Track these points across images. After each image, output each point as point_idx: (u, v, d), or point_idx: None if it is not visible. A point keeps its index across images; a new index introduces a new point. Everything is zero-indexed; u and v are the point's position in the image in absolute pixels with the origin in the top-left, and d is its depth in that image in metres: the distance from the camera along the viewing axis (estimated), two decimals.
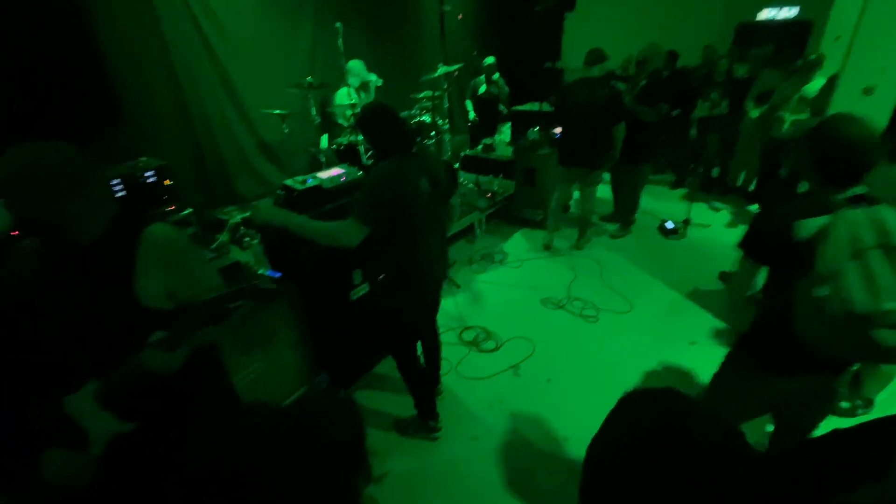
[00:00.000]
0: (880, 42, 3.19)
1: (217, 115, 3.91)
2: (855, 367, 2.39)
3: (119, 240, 1.14)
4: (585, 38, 5.35)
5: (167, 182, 2.62)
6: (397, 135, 1.89)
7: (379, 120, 1.88)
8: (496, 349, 3.14)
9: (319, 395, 2.24)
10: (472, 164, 5.20)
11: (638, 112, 4.10)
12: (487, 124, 5.76)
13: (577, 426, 2.49)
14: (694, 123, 5.47)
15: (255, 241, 2.66)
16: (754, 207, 5.12)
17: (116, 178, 2.40)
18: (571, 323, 3.42)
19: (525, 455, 2.37)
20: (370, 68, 4.36)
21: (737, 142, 5.30)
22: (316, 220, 1.86)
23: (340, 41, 3.80)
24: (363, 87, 4.32)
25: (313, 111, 3.88)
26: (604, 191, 4.62)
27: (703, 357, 2.95)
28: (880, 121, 2.97)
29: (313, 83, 3.67)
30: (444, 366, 2.79)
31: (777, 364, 1.49)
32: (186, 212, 2.72)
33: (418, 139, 4.24)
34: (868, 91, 3.19)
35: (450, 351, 3.02)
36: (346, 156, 3.77)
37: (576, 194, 4.42)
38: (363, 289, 2.68)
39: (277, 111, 3.68)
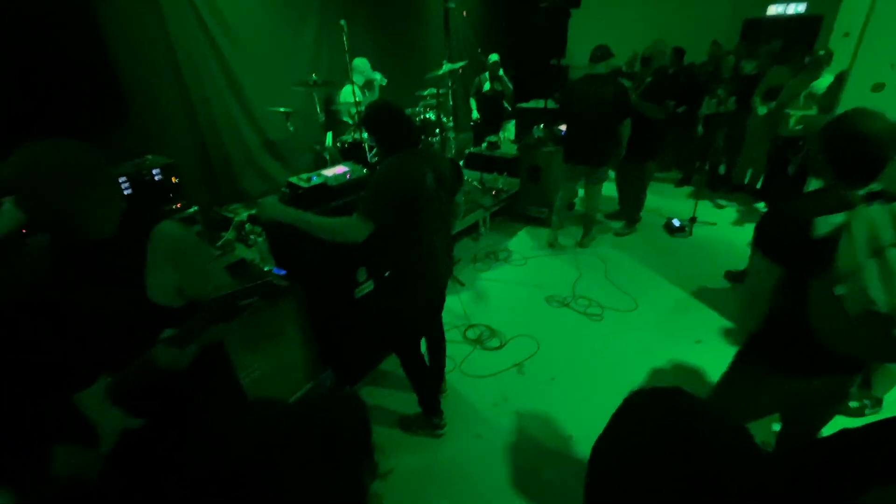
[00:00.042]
0: (890, 38, 3.15)
1: (222, 113, 3.93)
2: None
3: (129, 238, 1.15)
4: (591, 35, 5.32)
5: (173, 180, 2.64)
6: (402, 132, 1.90)
7: (384, 117, 1.89)
8: (500, 347, 3.14)
9: (325, 391, 2.25)
10: (476, 162, 5.19)
11: (644, 109, 4.08)
12: (492, 122, 5.75)
13: (581, 425, 2.48)
14: (700, 120, 5.43)
15: (261, 239, 2.67)
16: (761, 205, 5.09)
17: (123, 176, 2.42)
18: (576, 321, 3.42)
19: (529, 453, 2.37)
20: (375, 66, 4.36)
21: (744, 139, 5.26)
22: (322, 217, 1.86)
23: (345, 39, 3.80)
24: (367, 85, 4.32)
25: (318, 109, 3.88)
26: (609, 188, 4.61)
27: (709, 356, 2.94)
28: (891, 116, 2.92)
29: (318, 81, 3.67)
30: (449, 364, 2.79)
31: (789, 364, 1.48)
32: (192, 209, 2.73)
33: (423, 137, 4.24)
34: (877, 88, 3.15)
35: (454, 349, 3.02)
36: (350, 153, 3.78)
37: (581, 192, 4.40)
38: (368, 286, 2.68)
39: (282, 109, 3.69)
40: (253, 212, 2.82)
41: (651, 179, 4.65)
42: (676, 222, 4.70)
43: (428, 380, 2.41)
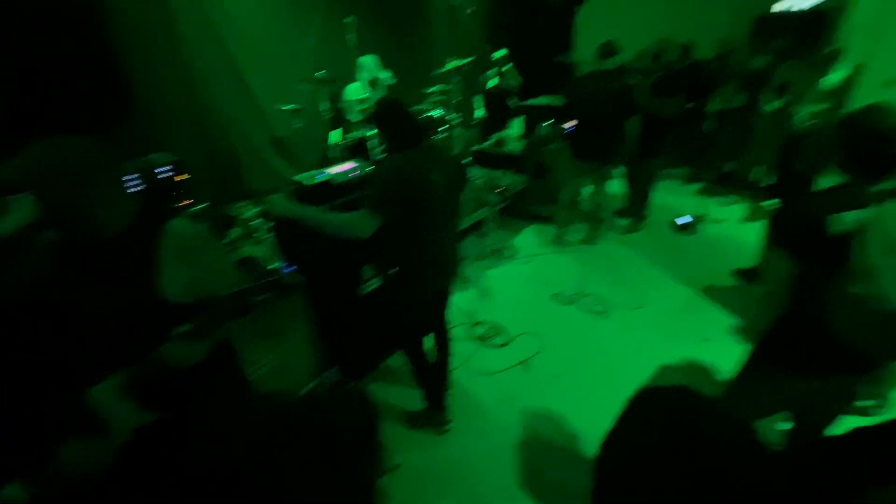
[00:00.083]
0: None
1: (229, 111, 3.94)
2: None
3: (140, 235, 1.17)
4: (598, 31, 5.28)
5: (182, 177, 2.66)
6: (410, 129, 1.91)
7: (393, 114, 1.91)
8: (506, 345, 3.14)
9: (332, 387, 2.26)
10: (482, 159, 5.18)
11: (652, 106, 4.05)
12: (497, 119, 5.73)
13: (587, 423, 2.48)
14: (709, 117, 5.38)
15: (268, 236, 2.68)
16: (770, 203, 5.03)
17: (132, 173, 2.44)
18: (582, 319, 3.41)
19: (534, 451, 2.37)
20: (381, 64, 4.36)
21: (752, 135, 5.20)
22: (329, 212, 1.88)
23: (352, 36, 3.80)
24: (373, 82, 4.32)
25: (325, 106, 3.89)
26: (616, 185, 4.58)
27: (716, 354, 2.92)
28: None
29: (324, 78, 3.68)
30: (454, 360, 2.80)
31: (802, 364, 1.46)
32: (201, 206, 2.75)
33: (429, 134, 4.23)
34: (889, 84, 3.11)
35: (459, 346, 3.02)
36: (356, 151, 3.78)
37: (587, 189, 4.38)
38: (373, 283, 2.69)
39: (289, 106, 3.70)
40: (261, 209, 2.84)
41: (658, 176, 4.62)
42: (684, 220, 4.66)
43: (433, 376, 2.42)
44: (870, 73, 3.28)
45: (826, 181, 1.45)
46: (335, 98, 4.34)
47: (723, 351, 2.92)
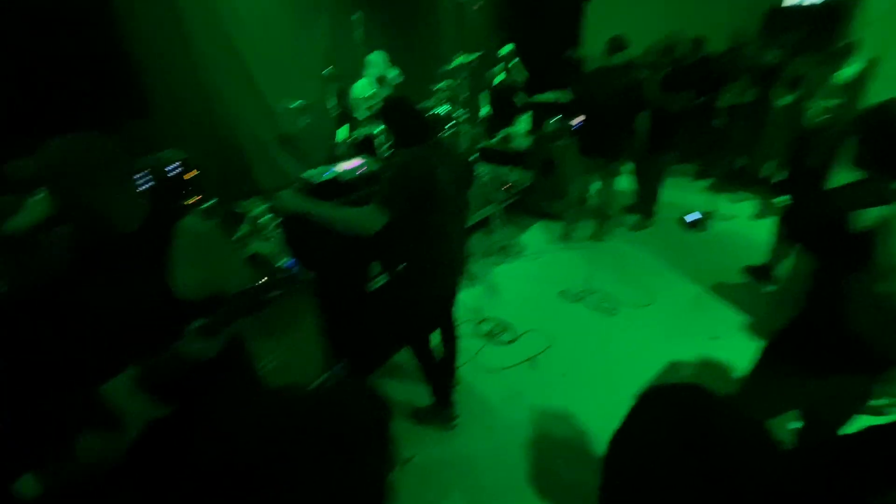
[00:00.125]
0: None
1: (236, 108, 3.96)
2: None
3: (153, 232, 1.18)
4: (607, 25, 5.23)
5: (192, 174, 2.68)
6: (418, 126, 1.92)
7: (401, 111, 1.92)
8: (513, 341, 3.13)
9: (341, 382, 2.28)
10: (489, 156, 5.16)
11: (662, 101, 4.01)
12: (504, 115, 5.70)
13: (594, 420, 2.47)
14: (719, 112, 5.32)
15: (276, 233, 2.70)
16: (781, 199, 4.97)
17: (143, 170, 2.46)
18: (589, 316, 3.39)
19: (541, 448, 2.37)
20: (389, 61, 4.35)
21: (764, 131, 5.13)
22: (337, 207, 1.89)
23: (359, 32, 3.80)
24: (381, 80, 4.31)
25: (332, 103, 3.90)
26: (624, 182, 4.54)
27: (725, 352, 2.89)
28: None
29: (331, 75, 3.68)
30: (461, 357, 2.80)
31: (817, 362, 1.44)
32: (210, 203, 2.77)
33: (437, 130, 4.22)
34: None
35: (466, 342, 3.03)
36: (363, 148, 3.79)
37: (595, 185, 4.35)
38: (381, 280, 2.70)
39: (296, 103, 3.71)
40: (269, 205, 2.86)
41: (667, 172, 4.57)
42: (693, 216, 4.62)
43: (440, 372, 2.43)
44: (884, 68, 3.22)
45: (840, 177, 1.42)
46: (342, 95, 4.35)
47: (732, 349, 2.90)
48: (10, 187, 1.10)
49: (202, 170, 2.84)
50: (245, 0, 3.80)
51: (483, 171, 4.79)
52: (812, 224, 1.35)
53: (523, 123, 5.87)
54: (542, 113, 5.19)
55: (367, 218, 1.82)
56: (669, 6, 6.93)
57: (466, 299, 3.51)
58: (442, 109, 4.25)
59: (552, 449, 2.36)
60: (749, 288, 3.59)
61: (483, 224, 4.59)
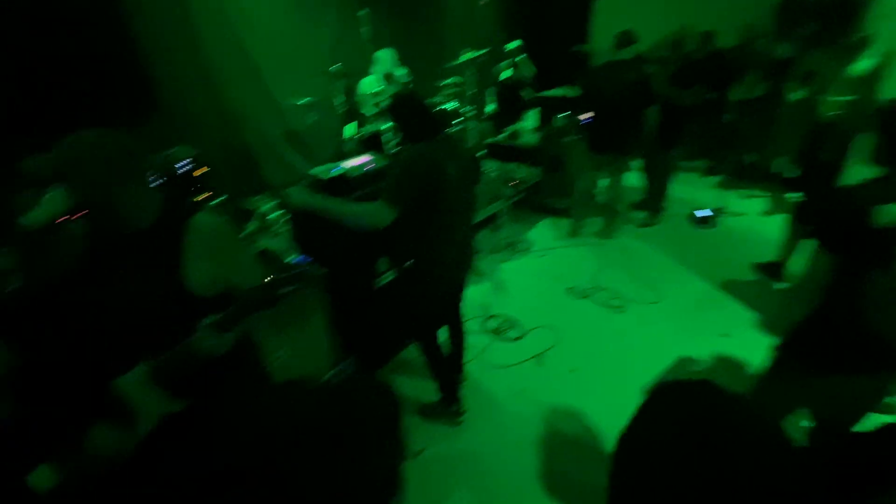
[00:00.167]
0: None
1: (244, 105, 3.98)
2: None
3: (166, 228, 1.19)
4: (616, 19, 5.18)
5: (202, 171, 2.70)
6: (426, 122, 1.92)
7: (409, 107, 1.92)
8: (520, 338, 3.13)
9: (353, 376, 2.29)
10: (496, 152, 5.14)
11: (672, 96, 3.97)
12: (511, 110, 5.67)
13: (601, 417, 2.46)
14: (730, 107, 5.25)
15: (285, 229, 2.71)
16: (793, 195, 4.91)
17: (154, 167, 2.48)
18: (597, 313, 3.38)
19: (548, 444, 2.37)
20: (398, 59, 4.34)
21: (776, 126, 5.06)
22: (346, 203, 1.90)
23: (366, 28, 3.80)
24: (388, 77, 4.31)
25: (339, 100, 3.90)
26: (633, 178, 4.51)
27: (736, 350, 2.87)
28: None
29: (338, 72, 3.68)
30: (468, 353, 2.80)
31: (833, 360, 1.43)
32: (220, 199, 2.79)
33: (445, 126, 4.22)
34: None
35: (473, 339, 3.03)
36: (371, 144, 3.79)
37: (603, 181, 4.32)
38: (388, 276, 2.70)
39: (304, 100, 3.71)
40: (278, 202, 2.87)
41: (676, 168, 4.53)
42: (703, 213, 4.57)
43: (447, 368, 2.43)
44: None
45: (853, 173, 1.40)
46: (350, 92, 4.35)
47: (743, 346, 2.87)
48: (26, 183, 1.12)
49: (212, 166, 2.86)
50: None
51: (490, 167, 4.78)
52: (833, 220, 1.33)
53: (531, 119, 5.85)
54: (549, 109, 5.16)
55: (376, 213, 1.83)
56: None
57: (474, 296, 3.51)
58: (449, 105, 4.24)
59: (559, 445, 2.36)
60: (760, 285, 3.56)
61: (490, 220, 4.59)
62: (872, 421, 1.22)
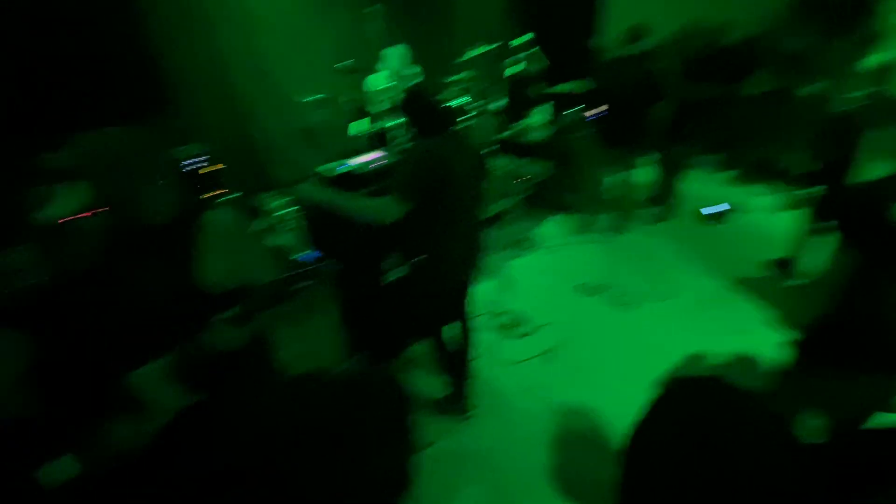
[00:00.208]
0: None
1: (257, 102, 4.01)
2: None
3: (183, 224, 1.21)
4: (628, 13, 5.12)
5: (216, 168, 2.72)
6: (437, 117, 1.93)
7: (421, 102, 1.93)
8: (529, 335, 3.13)
9: (363, 370, 2.31)
10: (506, 147, 5.12)
11: (684, 90, 3.92)
12: (520, 106, 5.63)
13: (610, 414, 2.46)
14: (743, 101, 5.17)
15: (295, 226, 2.73)
16: (807, 191, 4.83)
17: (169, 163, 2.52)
18: (607, 310, 3.36)
19: (557, 440, 2.37)
20: (410, 56, 4.33)
21: (789, 120, 4.98)
22: (356, 198, 1.92)
23: (376, 25, 3.80)
24: (397, 74, 4.30)
25: (349, 96, 3.91)
26: (644, 173, 4.47)
27: (748, 347, 2.84)
28: None
29: (347, 68, 3.69)
30: (477, 349, 2.81)
31: (853, 360, 1.41)
32: (234, 195, 2.82)
33: (455, 122, 4.21)
34: None
35: (482, 335, 3.03)
36: (380, 141, 3.80)
37: (614, 177, 4.29)
38: (397, 272, 2.71)
39: (315, 97, 3.73)
40: (288, 199, 2.89)
41: (689, 164, 4.48)
42: (715, 208, 4.51)
43: (455, 364, 2.44)
44: None
45: (869, 168, 1.38)
46: (359, 88, 4.36)
47: (755, 343, 2.84)
48: (44, 179, 1.14)
49: (222, 163, 2.89)
50: None
51: (499, 163, 4.76)
52: (851, 217, 1.31)
53: (540, 114, 5.81)
54: (559, 104, 5.12)
55: (384, 209, 1.84)
56: None
57: (482, 292, 3.50)
58: (458, 101, 4.23)
59: (568, 442, 2.36)
60: (772, 282, 3.52)
61: (499, 216, 4.58)
62: (880, 419, 1.21)
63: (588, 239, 4.34)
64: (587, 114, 4.50)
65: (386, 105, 4.00)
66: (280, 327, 2.27)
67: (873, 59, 3.79)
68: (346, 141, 4.13)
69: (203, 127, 3.59)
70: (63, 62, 2.73)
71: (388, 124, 3.76)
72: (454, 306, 2.38)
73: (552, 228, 4.62)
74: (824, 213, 3.17)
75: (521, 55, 5.47)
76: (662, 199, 4.60)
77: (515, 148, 5.03)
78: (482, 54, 4.36)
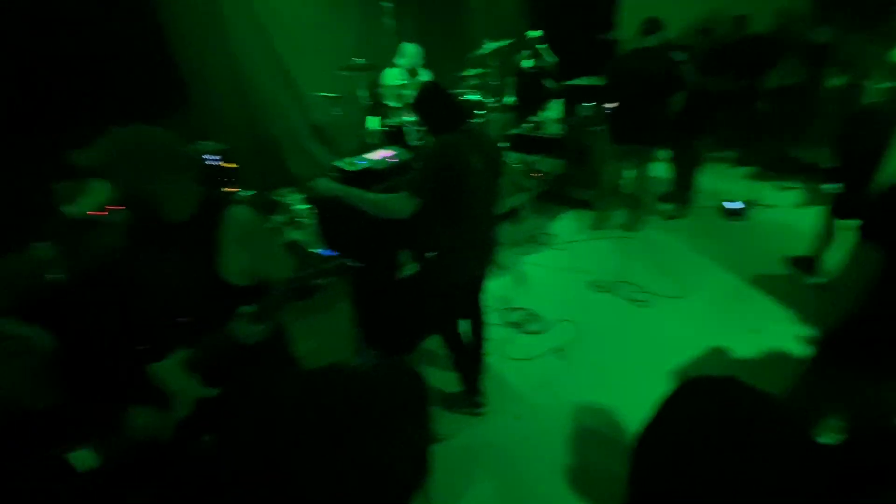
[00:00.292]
0: None
1: (272, 99, 4.05)
2: None
3: (204, 219, 1.24)
4: (645, 4, 5.03)
5: (231, 165, 2.77)
6: (452, 113, 1.93)
7: (435, 98, 1.93)
8: (542, 331, 3.12)
9: (381, 361, 2.34)
10: (519, 143, 5.09)
11: (701, 83, 3.84)
12: (533, 101, 5.58)
13: (622, 411, 2.45)
14: (763, 95, 5.05)
15: (310, 222, 2.76)
16: (829, 187, 4.71)
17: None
18: (621, 307, 3.33)
19: (569, 436, 2.37)
20: (423, 56, 4.32)
21: (812, 114, 4.86)
22: (371, 192, 1.94)
23: (390, 20, 3.80)
24: (412, 72, 4.30)
25: (364, 92, 3.93)
26: (659, 168, 4.40)
27: (764, 346, 2.80)
28: None
29: (363, 65, 3.70)
30: (489, 346, 2.81)
31: (880, 362, 1.38)
32: (249, 193, 2.86)
33: (470, 118, 4.20)
34: None
35: (495, 332, 3.03)
36: (394, 137, 3.81)
37: (629, 172, 4.23)
38: (411, 268, 2.73)
39: (329, 94, 3.75)
40: (304, 195, 2.93)
41: (706, 158, 4.40)
42: (733, 205, 4.43)
43: (469, 359, 2.45)
44: None
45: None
46: (373, 84, 4.38)
47: (773, 342, 2.79)
48: (71, 174, 1.17)
49: (240, 160, 2.93)
50: None
51: (513, 158, 4.74)
52: (878, 214, 1.26)
53: (555, 109, 5.75)
54: (574, 98, 5.07)
55: (398, 203, 1.86)
56: None
57: (495, 288, 3.50)
58: (472, 97, 4.21)
59: (580, 438, 2.36)
60: (792, 280, 3.44)
61: (513, 213, 4.56)
62: None
63: (602, 235, 4.30)
64: (603, 108, 4.45)
65: (400, 101, 4.00)
66: (298, 322, 2.31)
67: None
68: (361, 137, 4.15)
69: (219, 124, 3.64)
70: (85, 63, 2.79)
71: (404, 120, 3.77)
72: (468, 302, 2.38)
73: (566, 224, 4.58)
74: (847, 209, 3.09)
75: (532, 50, 5.42)
76: (679, 194, 4.53)
77: (529, 143, 5.00)
78: (496, 49, 4.33)
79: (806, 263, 3.47)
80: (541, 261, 3.98)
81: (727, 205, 4.46)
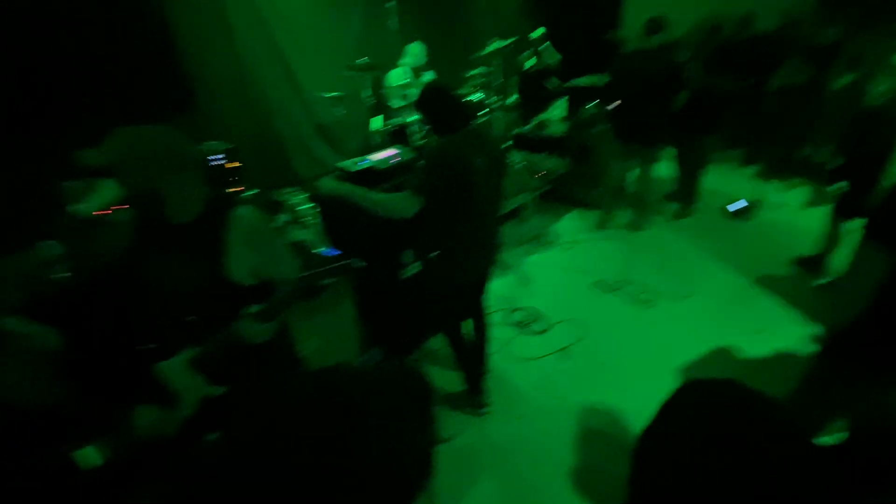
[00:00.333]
0: None
1: (276, 99, 4.06)
2: None
3: (210, 219, 1.24)
4: (650, 4, 5.01)
5: (235, 164, 2.78)
6: (456, 113, 1.93)
7: (439, 98, 1.93)
8: (545, 331, 3.11)
9: (385, 360, 2.34)
10: (523, 143, 5.08)
11: (707, 82, 3.82)
12: (536, 100, 5.57)
13: (625, 412, 2.44)
14: (769, 94, 5.02)
15: (315, 221, 2.77)
16: (836, 187, 4.68)
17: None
18: (625, 307, 3.32)
19: (572, 437, 2.36)
20: (427, 56, 4.33)
21: (818, 114, 4.82)
22: (374, 192, 1.94)
23: (393, 20, 3.81)
24: (416, 71, 4.31)
25: (367, 93, 3.93)
26: (664, 168, 4.39)
27: (769, 346, 2.78)
28: None
29: (366, 65, 3.71)
30: (493, 346, 2.81)
31: (879, 363, 1.37)
32: (253, 192, 2.87)
33: (473, 118, 4.20)
34: None
35: (498, 331, 3.03)
36: (398, 137, 3.81)
37: (633, 172, 4.22)
38: (414, 267, 2.73)
39: (333, 94, 3.76)
40: (307, 194, 2.94)
41: (711, 158, 4.38)
42: (738, 204, 4.41)
43: (472, 359, 2.45)
44: None
45: None
46: (377, 84, 4.38)
47: (778, 343, 2.78)
48: (78, 174, 1.18)
49: (243, 159, 2.94)
50: None
51: (516, 158, 4.73)
52: (884, 214, 1.25)
53: (558, 109, 5.73)
54: (577, 98, 5.06)
55: (401, 203, 1.86)
56: None
57: (498, 288, 3.50)
58: (476, 96, 4.21)
59: (583, 439, 2.35)
60: (797, 280, 3.43)
61: (516, 212, 4.55)
62: None
63: (606, 235, 4.29)
64: (607, 107, 4.44)
65: (404, 101, 4.01)
66: (302, 321, 2.32)
67: None
68: (365, 137, 4.16)
69: (223, 124, 3.65)
70: (91, 63, 2.81)
71: (407, 120, 3.77)
72: (472, 302, 2.38)
73: (570, 224, 4.57)
74: (852, 209, 3.07)
75: (538, 49, 5.41)
76: (684, 194, 4.51)
77: (533, 142, 4.99)
78: (499, 49, 4.32)
79: (811, 263, 3.45)
80: (544, 260, 3.97)
81: (732, 205, 4.44)
